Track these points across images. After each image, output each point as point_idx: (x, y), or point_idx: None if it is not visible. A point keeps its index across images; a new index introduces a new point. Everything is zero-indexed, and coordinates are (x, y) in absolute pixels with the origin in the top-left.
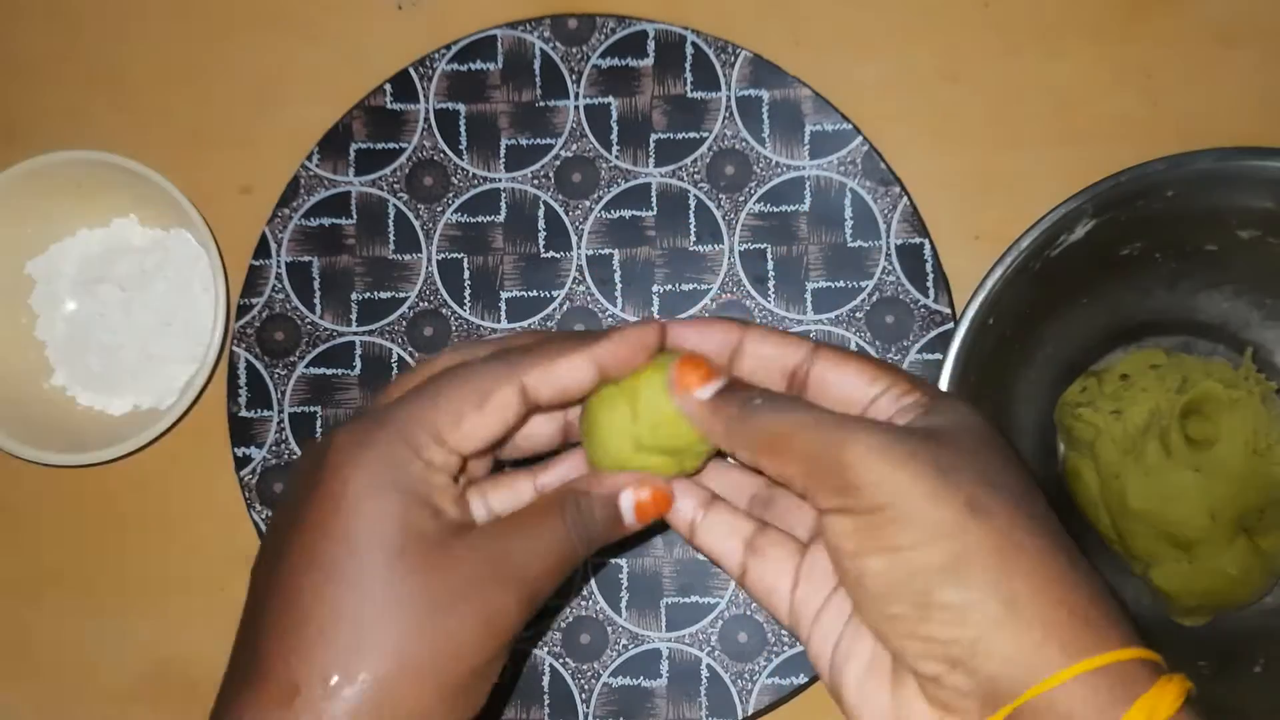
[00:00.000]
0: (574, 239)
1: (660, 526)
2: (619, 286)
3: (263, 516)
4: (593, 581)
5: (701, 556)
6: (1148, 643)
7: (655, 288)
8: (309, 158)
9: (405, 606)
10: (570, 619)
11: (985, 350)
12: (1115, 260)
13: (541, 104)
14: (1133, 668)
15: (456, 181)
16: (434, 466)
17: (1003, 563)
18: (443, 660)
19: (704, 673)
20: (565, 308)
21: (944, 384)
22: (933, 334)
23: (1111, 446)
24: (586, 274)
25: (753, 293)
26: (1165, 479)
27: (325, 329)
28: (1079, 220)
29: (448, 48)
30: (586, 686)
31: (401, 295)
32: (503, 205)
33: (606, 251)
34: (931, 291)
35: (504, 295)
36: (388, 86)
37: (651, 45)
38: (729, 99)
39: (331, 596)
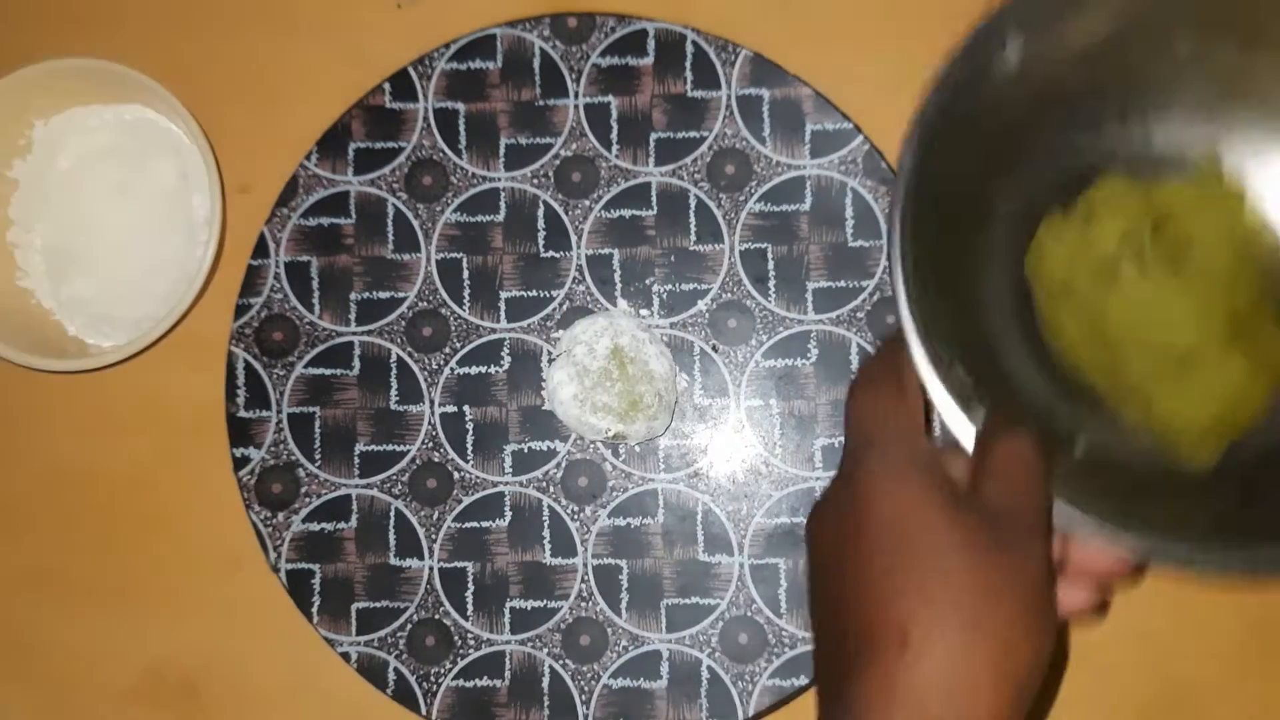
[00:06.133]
0: (574, 238)
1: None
2: (619, 286)
3: (261, 517)
4: (593, 583)
5: (702, 558)
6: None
7: (655, 287)
8: (308, 157)
9: None
10: (570, 620)
11: (929, 227)
12: (1058, 98)
13: (541, 103)
14: None
15: (456, 181)
16: None
17: None
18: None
19: (704, 674)
20: (565, 307)
21: (898, 282)
22: None
23: (1087, 278)
24: (586, 274)
25: (753, 292)
26: (1146, 294)
27: (324, 329)
28: (1006, 39)
29: (447, 47)
30: (586, 688)
31: (400, 295)
32: (502, 204)
33: (606, 251)
34: None
35: (503, 295)
36: (387, 85)
37: (651, 44)
38: (729, 98)
39: None
